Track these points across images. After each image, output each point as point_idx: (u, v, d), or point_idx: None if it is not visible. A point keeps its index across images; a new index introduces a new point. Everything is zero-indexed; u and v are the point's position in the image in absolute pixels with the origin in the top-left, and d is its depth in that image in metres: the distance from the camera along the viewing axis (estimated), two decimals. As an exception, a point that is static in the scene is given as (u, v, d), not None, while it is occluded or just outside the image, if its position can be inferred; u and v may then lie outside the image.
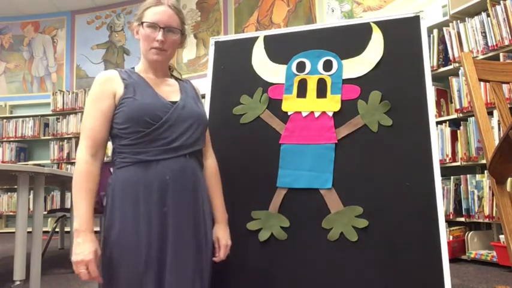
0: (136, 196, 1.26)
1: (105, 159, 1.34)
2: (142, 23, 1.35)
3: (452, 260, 2.82)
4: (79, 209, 1.23)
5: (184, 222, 1.28)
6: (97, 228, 1.46)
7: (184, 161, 1.32)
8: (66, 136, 6.00)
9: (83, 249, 1.19)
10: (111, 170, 1.37)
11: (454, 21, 3.20)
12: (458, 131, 3.11)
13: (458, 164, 3.10)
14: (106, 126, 1.30)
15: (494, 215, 2.77)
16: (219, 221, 1.43)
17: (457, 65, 3.17)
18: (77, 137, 5.95)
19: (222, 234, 1.41)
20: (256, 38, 1.81)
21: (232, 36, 2.00)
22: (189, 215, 1.30)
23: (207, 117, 1.49)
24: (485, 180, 2.88)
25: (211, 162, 1.48)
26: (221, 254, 1.40)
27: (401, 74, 1.61)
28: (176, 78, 1.49)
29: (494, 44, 2.91)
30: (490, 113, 2.78)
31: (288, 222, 1.55)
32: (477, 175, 2.98)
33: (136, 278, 1.23)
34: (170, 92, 1.40)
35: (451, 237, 2.95)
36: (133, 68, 1.43)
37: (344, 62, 1.67)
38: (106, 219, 1.29)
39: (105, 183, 1.33)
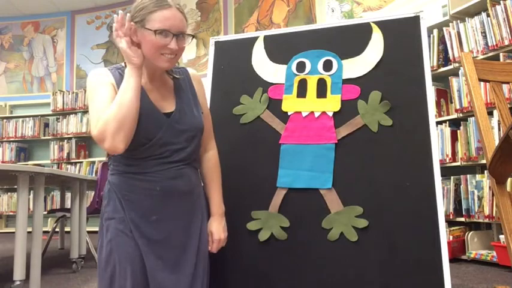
0: (128, 202, 1.27)
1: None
2: (155, 31, 1.21)
3: (452, 260, 2.82)
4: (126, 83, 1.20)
5: (176, 229, 1.29)
6: (96, 229, 1.46)
7: (177, 170, 1.30)
8: (66, 136, 6.00)
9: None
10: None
11: (454, 21, 3.20)
12: (458, 131, 3.12)
13: (458, 164, 3.10)
14: None
15: (494, 215, 2.77)
16: (214, 214, 1.41)
17: (457, 65, 3.17)
18: (77, 137, 5.96)
19: (215, 228, 1.39)
20: (256, 38, 1.81)
21: (232, 36, 2.00)
22: (183, 220, 1.30)
23: (206, 109, 1.47)
24: (485, 180, 2.88)
25: (211, 155, 1.46)
26: (213, 248, 1.38)
27: (401, 74, 1.60)
28: (171, 74, 1.39)
29: (494, 44, 2.91)
30: (490, 113, 2.77)
31: (288, 222, 1.55)
32: (477, 175, 2.98)
33: (129, 280, 1.23)
34: (164, 99, 1.32)
35: (451, 237, 2.95)
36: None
37: (344, 62, 1.67)
38: (103, 219, 1.30)
39: (104, 183, 1.34)
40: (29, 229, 2.37)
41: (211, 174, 1.44)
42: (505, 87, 2.70)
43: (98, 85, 1.26)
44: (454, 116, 3.18)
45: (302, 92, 1.68)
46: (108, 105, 1.19)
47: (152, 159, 1.27)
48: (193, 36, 1.32)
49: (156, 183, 1.26)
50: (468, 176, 2.99)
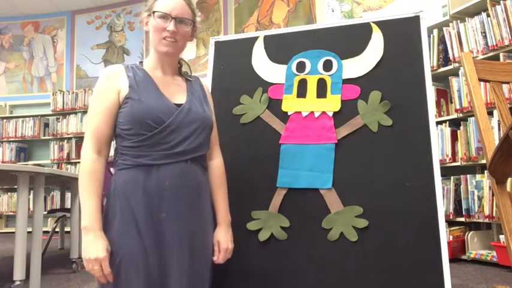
0: (135, 200, 1.26)
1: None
2: (153, 13, 1.32)
3: (452, 260, 2.82)
4: (87, 207, 1.23)
5: (182, 227, 1.27)
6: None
7: (186, 166, 1.30)
8: (66, 136, 6.00)
9: (96, 247, 1.19)
10: (111, 170, 1.36)
11: (454, 21, 3.20)
12: (458, 131, 3.11)
13: (458, 164, 3.10)
14: (110, 124, 1.29)
15: (494, 215, 2.77)
16: (220, 223, 1.40)
17: (457, 65, 3.17)
18: (77, 137, 5.96)
19: (222, 238, 1.38)
20: (256, 38, 1.81)
21: (232, 36, 2.00)
22: (189, 220, 1.29)
23: (213, 117, 1.47)
24: (485, 180, 2.88)
25: (217, 163, 1.46)
26: (220, 258, 1.37)
27: (401, 74, 1.60)
28: (184, 76, 1.45)
29: (494, 44, 2.91)
30: (490, 113, 2.77)
31: (288, 222, 1.55)
32: (477, 175, 2.98)
33: (135, 281, 1.22)
34: (176, 92, 1.37)
35: (451, 237, 2.95)
36: (142, 62, 1.39)
37: (344, 62, 1.67)
38: (105, 219, 1.29)
39: (106, 182, 1.33)
40: (29, 229, 2.37)
41: (217, 182, 1.43)
42: (505, 87, 2.69)
43: (100, 94, 1.30)
44: (454, 116, 3.18)
45: (302, 92, 1.68)
46: (104, 121, 1.27)
47: (160, 149, 1.27)
48: (193, 22, 1.37)
49: (165, 179, 1.26)
50: (468, 176, 2.99)
